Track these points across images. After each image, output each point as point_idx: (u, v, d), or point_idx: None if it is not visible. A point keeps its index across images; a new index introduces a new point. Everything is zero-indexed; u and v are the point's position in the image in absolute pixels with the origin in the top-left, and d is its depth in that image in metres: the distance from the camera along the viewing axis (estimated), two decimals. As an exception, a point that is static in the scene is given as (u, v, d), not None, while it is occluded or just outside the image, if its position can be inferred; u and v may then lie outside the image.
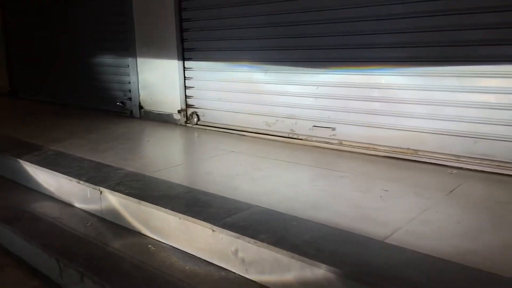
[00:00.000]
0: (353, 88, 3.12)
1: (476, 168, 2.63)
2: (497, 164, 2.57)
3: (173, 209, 2.10)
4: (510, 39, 2.44)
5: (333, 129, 3.27)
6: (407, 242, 1.71)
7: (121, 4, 4.72)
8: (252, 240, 1.77)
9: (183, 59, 4.25)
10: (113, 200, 2.40)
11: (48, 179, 2.88)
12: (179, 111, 4.38)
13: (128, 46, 4.77)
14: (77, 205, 2.67)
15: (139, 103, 4.82)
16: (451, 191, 2.29)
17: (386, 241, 1.72)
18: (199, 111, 4.23)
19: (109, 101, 5.14)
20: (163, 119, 4.57)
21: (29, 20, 6.19)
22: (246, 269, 1.80)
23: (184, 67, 4.27)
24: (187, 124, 4.32)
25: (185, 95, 4.32)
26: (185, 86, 4.30)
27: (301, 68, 3.38)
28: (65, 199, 2.76)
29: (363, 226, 1.86)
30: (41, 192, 2.94)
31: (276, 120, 3.62)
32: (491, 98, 2.54)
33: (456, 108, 2.69)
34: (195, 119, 4.23)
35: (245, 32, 3.73)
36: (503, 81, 2.49)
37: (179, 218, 2.06)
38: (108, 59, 5.12)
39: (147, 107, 4.78)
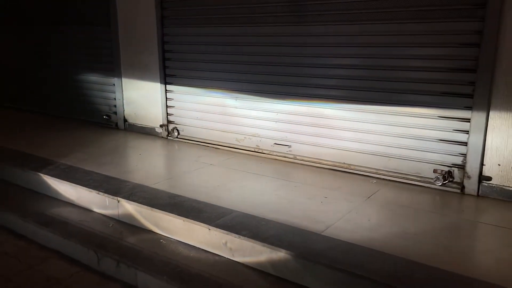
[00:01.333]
0: (304, 117, 4.09)
1: (389, 179, 3.68)
2: (403, 176, 3.64)
3: (178, 214, 2.99)
4: (410, 89, 3.49)
5: (289, 146, 4.25)
6: (335, 234, 2.70)
7: (108, 31, 5.45)
8: (236, 235, 2.70)
9: (165, 83, 5.07)
10: (129, 207, 3.25)
11: (68, 190, 3.67)
12: (161, 126, 5.21)
13: (114, 68, 5.52)
14: (96, 210, 3.50)
15: (124, 117, 5.60)
16: (369, 197, 3.32)
17: (322, 233, 2.71)
18: (179, 127, 5.08)
19: (96, 114, 5.87)
20: (146, 132, 5.38)
21: (17, 34, 6.69)
22: (233, 254, 2.73)
23: (166, 90, 5.09)
24: (169, 137, 5.16)
25: (167, 113, 5.15)
26: (166, 105, 5.13)
27: (265, 98, 4.31)
28: (84, 206, 3.57)
29: (308, 224, 2.84)
30: (62, 200, 3.72)
31: (244, 137, 4.55)
32: (398, 130, 3.59)
33: (375, 135, 3.72)
34: (176, 133, 5.08)
35: (218, 66, 4.60)
36: (405, 118, 3.54)
37: (183, 220, 2.95)
38: (95, 78, 5.82)
39: (131, 120, 5.56)
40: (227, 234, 2.74)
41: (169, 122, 5.16)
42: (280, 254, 2.52)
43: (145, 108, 5.36)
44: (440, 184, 3.44)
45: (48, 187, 3.81)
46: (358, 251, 2.50)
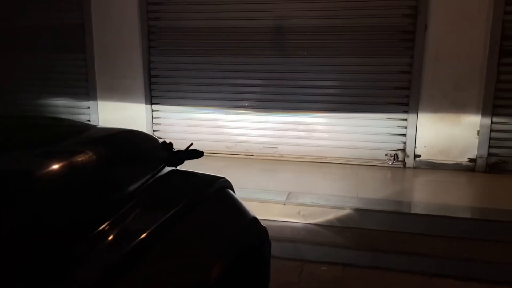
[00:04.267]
0: (289, 124, 5.48)
1: (357, 164, 5.34)
2: (365, 160, 5.33)
3: (253, 199, 4.07)
4: (367, 102, 5.21)
5: (276, 148, 5.57)
6: (365, 197, 4.18)
7: (83, 58, 5.88)
8: (309, 204, 3.96)
9: (151, 103, 5.82)
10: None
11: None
12: (145, 141, 5.90)
13: (88, 92, 5.96)
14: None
15: (100, 136, 6.05)
16: (357, 175, 4.91)
17: (358, 196, 4.17)
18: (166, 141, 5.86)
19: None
20: (126, 148, 5.98)
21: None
22: (305, 219, 3.97)
23: (152, 109, 5.84)
24: (156, 151, 5.89)
25: (153, 130, 5.89)
26: (152, 123, 5.88)
27: (254, 112, 5.54)
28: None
29: (344, 193, 4.26)
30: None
31: (235, 144, 5.69)
32: (360, 129, 5.28)
33: (344, 134, 5.35)
34: (164, 147, 5.85)
35: (208, 88, 5.63)
36: (365, 121, 5.25)
37: (260, 202, 4.05)
38: (67, 102, 6.10)
39: (107, 139, 6.05)
40: (300, 205, 3.98)
41: (155, 137, 5.89)
42: (344, 211, 3.89)
43: (126, 127, 5.94)
44: (391, 163, 5.24)
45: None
46: (390, 202, 4.05)
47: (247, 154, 5.65)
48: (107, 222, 1.27)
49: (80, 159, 1.42)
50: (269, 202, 4.05)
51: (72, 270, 1.12)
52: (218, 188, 1.78)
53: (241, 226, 1.69)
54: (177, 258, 1.30)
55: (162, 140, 1.91)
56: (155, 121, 5.88)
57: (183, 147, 1.89)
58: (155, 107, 5.85)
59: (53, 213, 1.20)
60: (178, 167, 1.88)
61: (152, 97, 5.82)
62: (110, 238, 1.22)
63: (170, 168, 1.83)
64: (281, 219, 4.02)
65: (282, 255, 3.61)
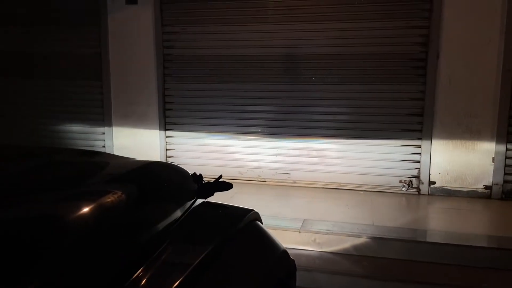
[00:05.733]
0: (301, 150, 5.50)
1: (370, 190, 5.32)
2: (379, 187, 5.32)
3: (269, 226, 4.06)
4: (381, 128, 5.23)
5: (289, 174, 5.57)
6: (380, 224, 4.15)
7: (99, 85, 6.00)
8: (325, 232, 3.93)
9: (165, 129, 5.89)
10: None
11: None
12: (158, 167, 5.94)
13: (104, 118, 6.05)
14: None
15: (114, 162, 6.11)
16: (372, 202, 4.89)
17: (374, 224, 4.14)
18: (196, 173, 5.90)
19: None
20: (140, 173, 6.02)
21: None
22: (321, 247, 3.95)
23: (166, 135, 5.90)
24: (169, 176, 5.93)
25: (166, 155, 5.94)
26: (166, 149, 5.93)
27: (266, 138, 5.58)
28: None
29: (359, 221, 4.23)
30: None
31: (247, 170, 5.70)
32: (373, 156, 5.28)
33: (358, 160, 5.34)
34: (177, 172, 5.89)
35: (220, 114, 5.69)
36: (378, 148, 5.26)
37: (274, 230, 4.03)
38: (81, 128, 6.19)
39: (121, 164, 6.11)
40: (316, 233, 3.95)
41: (168, 163, 5.94)
42: (362, 239, 3.86)
43: (140, 153, 6.01)
44: (405, 190, 5.21)
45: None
46: (407, 230, 4.01)
47: (259, 180, 5.66)
48: (142, 268, 1.21)
49: (109, 200, 1.33)
50: (284, 230, 4.03)
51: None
52: (249, 221, 1.78)
53: (274, 259, 1.69)
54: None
55: (192, 172, 1.93)
56: (168, 146, 5.93)
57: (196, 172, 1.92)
58: (169, 133, 5.91)
59: (84, 264, 1.13)
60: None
61: (166, 123, 5.89)
62: (146, 285, 1.17)
63: (201, 200, 1.85)
64: (297, 247, 4.00)
65: (298, 284, 3.58)
